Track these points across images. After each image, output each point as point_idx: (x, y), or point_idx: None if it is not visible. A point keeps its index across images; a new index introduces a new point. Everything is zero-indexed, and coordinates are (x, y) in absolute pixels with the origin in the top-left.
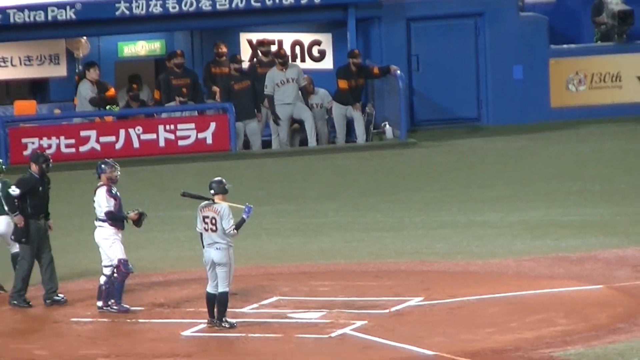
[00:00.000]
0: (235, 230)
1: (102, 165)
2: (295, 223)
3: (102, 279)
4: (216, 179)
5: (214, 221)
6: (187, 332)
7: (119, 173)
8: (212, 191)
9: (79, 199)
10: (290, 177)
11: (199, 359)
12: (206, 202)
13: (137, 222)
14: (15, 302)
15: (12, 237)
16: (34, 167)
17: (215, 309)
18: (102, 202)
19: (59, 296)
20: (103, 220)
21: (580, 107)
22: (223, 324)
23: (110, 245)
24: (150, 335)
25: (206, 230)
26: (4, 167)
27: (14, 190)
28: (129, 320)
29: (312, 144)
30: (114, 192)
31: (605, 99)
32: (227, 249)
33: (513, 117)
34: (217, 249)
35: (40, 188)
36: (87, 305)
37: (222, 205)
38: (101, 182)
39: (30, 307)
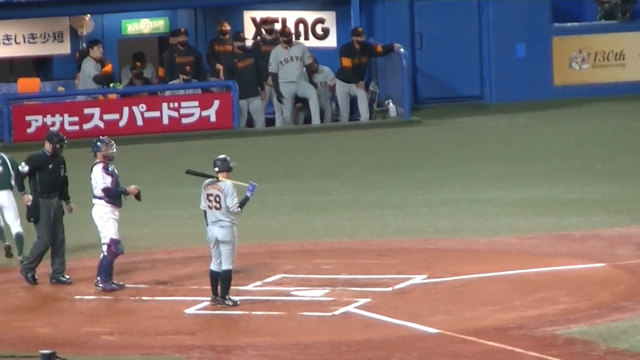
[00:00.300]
0: (239, 209)
1: (98, 143)
2: (298, 201)
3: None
4: (220, 156)
5: (217, 199)
6: (190, 310)
7: (114, 150)
8: (216, 169)
9: (82, 176)
10: (293, 155)
11: (203, 336)
12: (210, 179)
13: (138, 196)
14: (24, 272)
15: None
16: (47, 146)
17: (218, 287)
18: (99, 179)
19: (65, 277)
20: (99, 198)
21: (583, 86)
22: (226, 302)
23: (104, 223)
24: (153, 313)
25: (210, 208)
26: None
27: (23, 167)
28: (132, 298)
29: (315, 122)
30: (110, 169)
31: (608, 77)
32: (231, 226)
33: (516, 95)
34: (220, 226)
35: (50, 166)
36: (90, 283)
37: (226, 183)
38: (97, 160)
39: (35, 284)
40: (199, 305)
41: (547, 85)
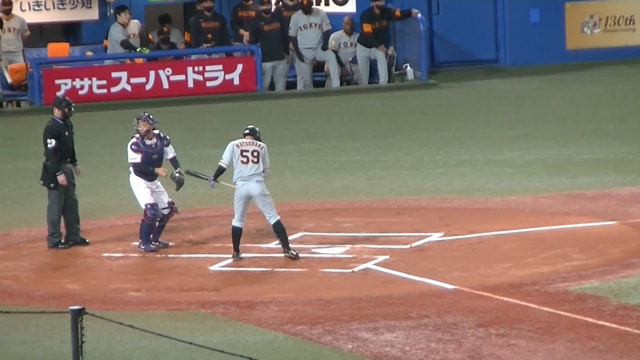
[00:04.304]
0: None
1: (134, 121)
2: (318, 161)
3: None
4: (249, 126)
5: (255, 154)
6: (214, 267)
7: (142, 127)
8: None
9: (110, 137)
10: (314, 117)
11: (226, 292)
12: (243, 139)
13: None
14: (51, 245)
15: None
16: (56, 112)
17: (278, 240)
18: (129, 154)
19: (82, 237)
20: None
21: (595, 50)
22: (291, 252)
23: (137, 191)
24: (179, 270)
25: (245, 162)
26: None
27: (51, 142)
28: (158, 256)
29: (335, 85)
30: (141, 145)
31: (619, 42)
32: (264, 181)
33: (530, 59)
34: (257, 181)
35: (66, 133)
36: (117, 241)
37: (263, 145)
38: (135, 135)
39: (66, 248)
40: (223, 262)
41: (560, 49)
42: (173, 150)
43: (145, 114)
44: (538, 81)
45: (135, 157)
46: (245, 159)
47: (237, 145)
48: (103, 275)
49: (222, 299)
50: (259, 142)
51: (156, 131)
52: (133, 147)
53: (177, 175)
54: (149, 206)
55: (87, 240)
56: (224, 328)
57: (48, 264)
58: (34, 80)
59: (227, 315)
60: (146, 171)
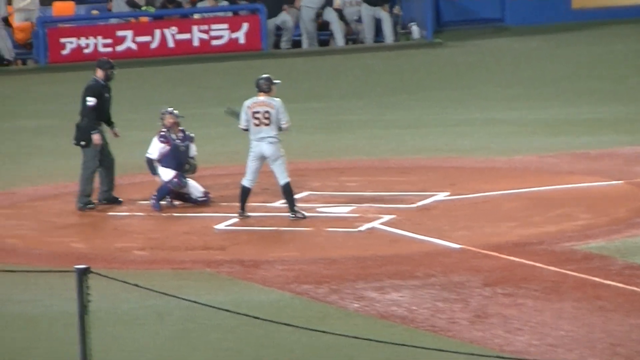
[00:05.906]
0: (289, 124)
1: (160, 114)
2: (321, 120)
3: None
4: (264, 75)
5: (267, 115)
6: (219, 226)
7: (171, 120)
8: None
9: (115, 96)
10: (318, 76)
11: (231, 251)
12: (253, 98)
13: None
14: (81, 204)
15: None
16: (99, 73)
17: (285, 202)
18: (151, 145)
19: (114, 196)
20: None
21: (601, 9)
22: (297, 215)
23: (162, 173)
24: (184, 229)
25: (257, 125)
26: None
27: (90, 101)
28: (164, 215)
29: (339, 44)
30: (168, 136)
31: (626, 0)
32: (278, 142)
33: (535, 18)
34: (269, 142)
35: (106, 94)
36: (123, 200)
37: (277, 100)
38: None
39: (94, 209)
40: (228, 221)
41: (566, 8)
42: (195, 149)
43: (170, 108)
44: (544, 40)
45: (152, 152)
46: (257, 121)
47: (249, 107)
48: (108, 234)
49: (227, 258)
50: (270, 102)
51: (181, 127)
52: (161, 139)
53: (192, 160)
54: (178, 175)
55: (120, 200)
56: (228, 287)
57: (53, 223)
58: (39, 39)
59: (232, 274)
60: (151, 169)
